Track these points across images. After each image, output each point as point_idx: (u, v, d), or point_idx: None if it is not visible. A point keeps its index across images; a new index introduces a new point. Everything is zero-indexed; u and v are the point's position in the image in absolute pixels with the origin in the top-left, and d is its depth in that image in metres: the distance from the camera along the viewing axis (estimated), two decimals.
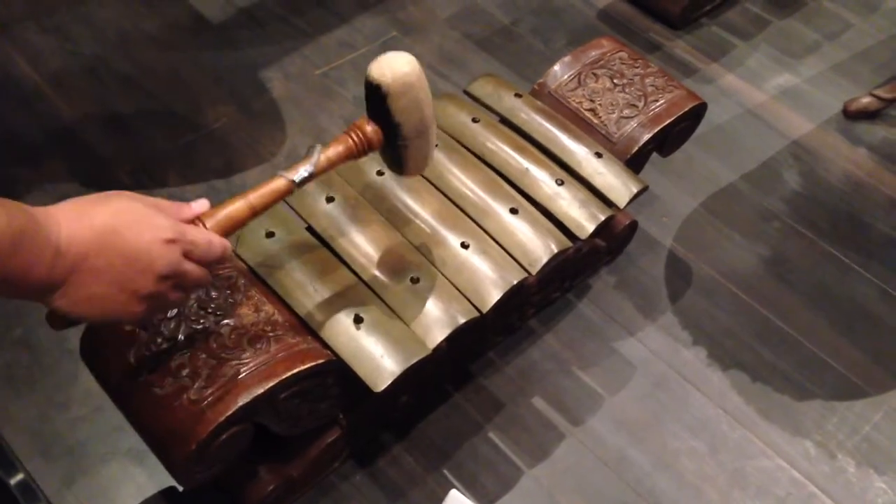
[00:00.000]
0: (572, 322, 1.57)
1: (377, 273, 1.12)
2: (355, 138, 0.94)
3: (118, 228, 0.73)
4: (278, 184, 0.88)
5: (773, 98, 2.09)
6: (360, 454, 1.36)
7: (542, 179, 1.28)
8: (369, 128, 0.94)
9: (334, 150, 0.93)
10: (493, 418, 1.43)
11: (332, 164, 0.93)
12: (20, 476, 1.24)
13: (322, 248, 1.15)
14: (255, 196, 0.87)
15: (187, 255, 0.79)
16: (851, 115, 2.06)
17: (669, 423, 1.46)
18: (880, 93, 2.05)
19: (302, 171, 0.89)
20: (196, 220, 0.83)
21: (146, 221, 0.75)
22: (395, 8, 2.18)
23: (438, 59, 2.05)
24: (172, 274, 0.77)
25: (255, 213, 0.87)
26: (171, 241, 0.76)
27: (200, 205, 0.85)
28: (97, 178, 1.69)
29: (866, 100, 2.06)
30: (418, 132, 0.95)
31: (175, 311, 1.01)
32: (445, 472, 1.36)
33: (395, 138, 0.95)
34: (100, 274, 0.72)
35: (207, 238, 0.81)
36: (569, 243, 1.23)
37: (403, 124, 0.93)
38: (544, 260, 1.19)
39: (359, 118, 0.95)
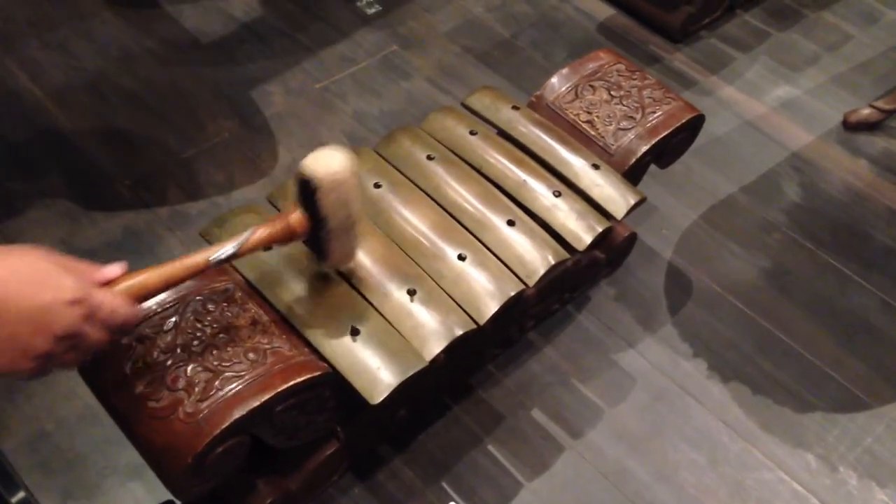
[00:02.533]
0: (572, 334, 1.57)
1: (374, 285, 1.12)
2: (280, 226, 0.97)
3: (18, 285, 0.73)
4: (196, 260, 0.90)
5: (773, 110, 2.10)
6: (359, 467, 1.35)
7: (540, 191, 1.28)
8: (297, 217, 0.97)
9: (258, 236, 0.95)
10: (492, 431, 1.42)
11: (254, 248, 0.95)
12: (21, 494, 1.24)
13: None
14: (171, 269, 0.88)
15: (89, 319, 0.78)
16: (851, 126, 2.07)
17: (669, 435, 1.45)
18: (880, 104, 2.05)
19: (221, 253, 0.92)
20: (108, 284, 0.83)
21: (49, 281, 0.75)
22: (395, 22, 2.19)
23: (438, 72, 2.06)
24: (69, 336, 0.76)
25: (169, 285, 0.89)
26: (74, 303, 0.75)
27: (115, 269, 0.85)
28: (97, 194, 1.70)
29: (866, 111, 2.06)
30: (344, 228, 0.99)
31: (171, 323, 1.01)
32: (444, 485, 1.35)
33: (320, 230, 0.98)
34: None
35: (113, 304, 0.81)
36: (566, 255, 1.23)
37: (330, 218, 0.96)
38: (541, 272, 1.19)
39: (290, 206, 0.99)
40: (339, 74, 2.03)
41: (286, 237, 0.98)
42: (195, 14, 2.14)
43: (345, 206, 0.96)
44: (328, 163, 0.93)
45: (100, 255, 1.58)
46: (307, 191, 0.94)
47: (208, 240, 1.15)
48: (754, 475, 1.42)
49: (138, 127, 1.85)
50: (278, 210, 1.22)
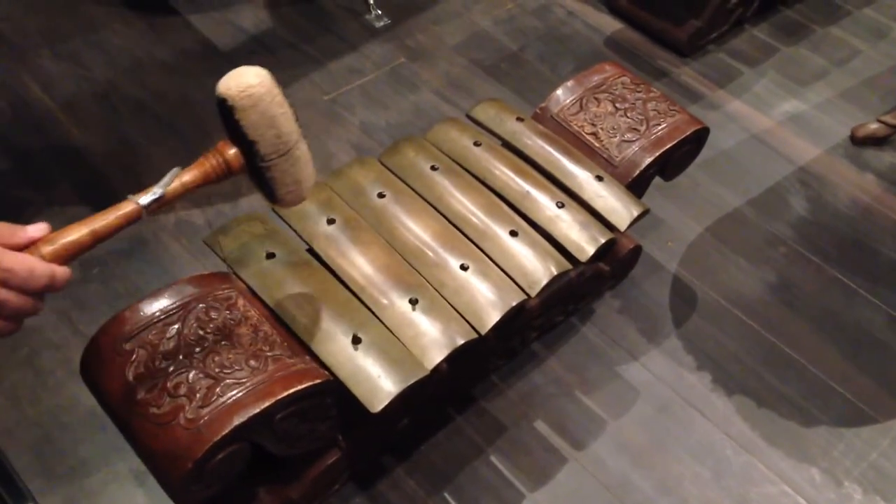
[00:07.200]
0: (575, 346, 1.57)
1: (376, 294, 1.13)
2: (213, 161, 0.89)
3: None
4: (124, 208, 0.84)
5: (780, 124, 2.10)
6: (361, 477, 1.35)
7: (543, 202, 1.29)
8: (229, 150, 0.90)
9: (189, 175, 0.88)
10: (494, 442, 1.42)
11: (187, 189, 0.88)
12: None
13: (322, 269, 1.15)
14: (99, 222, 0.82)
15: (4, 283, 0.74)
16: (859, 141, 2.06)
17: (673, 448, 1.45)
18: (888, 119, 2.05)
19: (150, 195, 0.85)
20: (32, 245, 0.78)
21: None
22: (403, 35, 2.21)
23: (446, 84, 2.07)
24: None
25: (98, 238, 0.82)
26: None
27: (38, 229, 0.79)
28: (106, 202, 1.69)
29: (874, 126, 2.05)
30: (278, 151, 0.90)
31: (174, 330, 1.01)
32: (447, 495, 1.35)
33: (254, 159, 0.90)
34: None
35: (28, 266, 0.75)
36: (568, 266, 1.23)
37: (259, 142, 0.88)
38: (544, 282, 1.19)
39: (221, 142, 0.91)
40: (346, 86, 2.05)
41: (219, 174, 0.90)
42: (205, 25, 2.16)
43: (272, 125, 0.88)
44: (242, 78, 0.85)
45: (108, 264, 1.59)
46: (226, 114, 0.87)
47: (213, 248, 1.16)
48: (758, 489, 1.41)
49: (147, 137, 1.86)
50: (282, 219, 1.23)
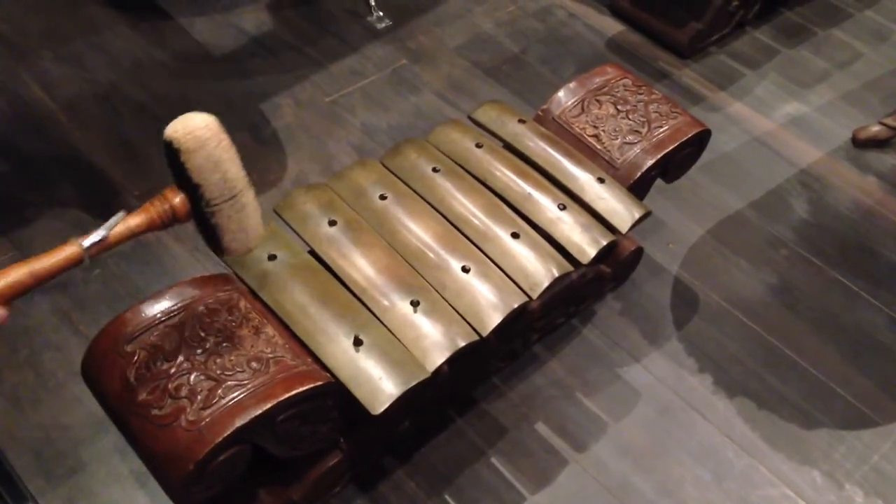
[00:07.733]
0: (577, 348, 1.57)
1: (378, 296, 1.12)
2: (159, 208, 0.89)
3: None
4: (67, 250, 0.84)
5: (782, 126, 2.10)
6: (362, 479, 1.35)
7: (545, 204, 1.28)
8: (174, 196, 0.90)
9: (135, 220, 0.88)
10: (495, 444, 1.42)
11: (132, 233, 0.88)
12: None
13: (323, 270, 1.15)
14: (40, 263, 0.82)
15: None
16: (860, 143, 2.06)
17: (674, 450, 1.45)
18: (890, 121, 2.05)
19: (93, 237, 0.85)
20: None
21: None
22: (404, 37, 2.21)
23: (447, 86, 2.07)
24: None
25: (39, 280, 0.82)
26: None
27: None
28: (107, 203, 1.71)
29: (875, 128, 2.05)
30: (223, 196, 0.90)
31: (175, 332, 1.01)
32: (447, 497, 1.35)
33: (199, 203, 0.90)
34: None
35: None
36: (570, 268, 1.23)
37: (204, 185, 0.88)
38: (545, 284, 1.19)
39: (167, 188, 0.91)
40: (348, 88, 2.05)
41: (164, 220, 0.90)
42: (207, 28, 2.16)
43: (218, 169, 0.88)
44: (189, 122, 0.87)
45: (108, 266, 1.59)
46: (172, 157, 0.87)
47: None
48: (759, 492, 1.41)
49: (148, 138, 1.86)
50: (284, 220, 1.23)
